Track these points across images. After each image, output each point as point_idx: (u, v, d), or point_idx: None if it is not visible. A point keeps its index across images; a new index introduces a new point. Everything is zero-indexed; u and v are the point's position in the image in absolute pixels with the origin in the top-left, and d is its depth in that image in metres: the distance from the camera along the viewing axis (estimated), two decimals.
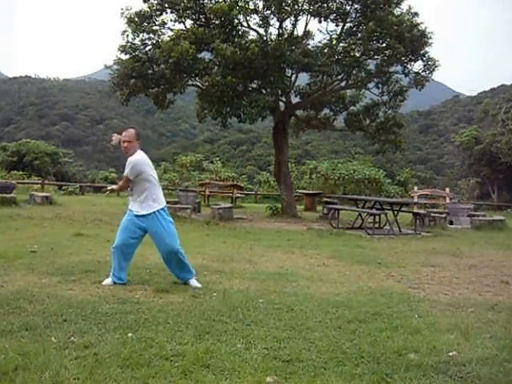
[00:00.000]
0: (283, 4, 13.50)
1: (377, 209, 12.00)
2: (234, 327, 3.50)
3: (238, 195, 19.89)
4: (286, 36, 14.19)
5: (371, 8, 13.40)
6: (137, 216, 4.72)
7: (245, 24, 14.05)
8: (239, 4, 13.42)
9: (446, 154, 57.58)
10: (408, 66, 14.27)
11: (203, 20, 14.04)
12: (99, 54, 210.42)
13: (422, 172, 46.76)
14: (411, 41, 13.29)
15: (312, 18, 14.25)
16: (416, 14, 13.88)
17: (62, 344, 2.98)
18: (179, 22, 14.16)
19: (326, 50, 14.07)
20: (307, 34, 14.99)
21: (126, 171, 4.65)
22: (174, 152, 45.25)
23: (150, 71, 13.55)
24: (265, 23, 13.91)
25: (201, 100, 15.34)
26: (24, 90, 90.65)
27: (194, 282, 4.81)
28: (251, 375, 2.66)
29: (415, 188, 19.70)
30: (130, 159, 4.64)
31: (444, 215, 13.90)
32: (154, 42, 13.76)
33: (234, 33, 13.66)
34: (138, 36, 13.66)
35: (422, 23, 13.69)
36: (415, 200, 16.97)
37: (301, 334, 3.43)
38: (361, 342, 3.31)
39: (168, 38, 13.49)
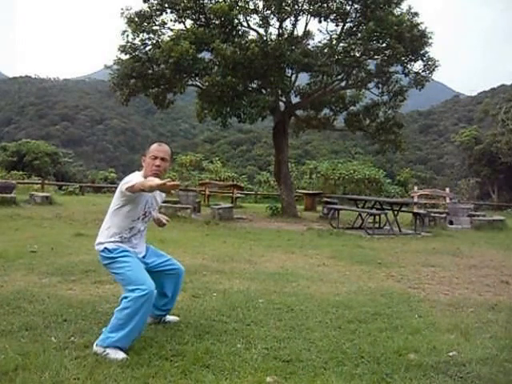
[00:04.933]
0: (283, 4, 13.50)
1: (377, 209, 12.00)
2: (233, 327, 3.50)
3: (238, 195, 19.87)
4: (286, 36, 14.18)
5: (371, 8, 13.39)
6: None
7: (245, 24, 14.07)
8: (239, 4, 13.43)
9: (445, 154, 57.59)
10: (408, 65, 14.25)
11: (203, 20, 14.04)
12: (99, 54, 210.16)
13: (422, 172, 46.80)
14: (411, 41, 13.28)
15: (312, 17, 14.26)
16: (416, 14, 13.88)
17: (62, 344, 2.98)
18: (179, 22, 14.17)
19: (326, 50, 14.07)
20: (307, 34, 15.00)
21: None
22: (174, 152, 45.20)
23: (149, 71, 13.56)
24: (265, 23, 13.92)
25: (201, 100, 15.33)
26: (24, 90, 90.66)
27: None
28: (251, 375, 2.66)
29: (415, 188, 19.67)
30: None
31: (444, 215, 13.90)
32: (154, 41, 13.76)
33: (234, 33, 13.66)
34: (138, 36, 13.66)
35: (421, 23, 13.70)
36: (415, 200, 16.96)
37: (301, 334, 3.43)
38: (361, 342, 3.31)
39: (168, 38, 13.48)
